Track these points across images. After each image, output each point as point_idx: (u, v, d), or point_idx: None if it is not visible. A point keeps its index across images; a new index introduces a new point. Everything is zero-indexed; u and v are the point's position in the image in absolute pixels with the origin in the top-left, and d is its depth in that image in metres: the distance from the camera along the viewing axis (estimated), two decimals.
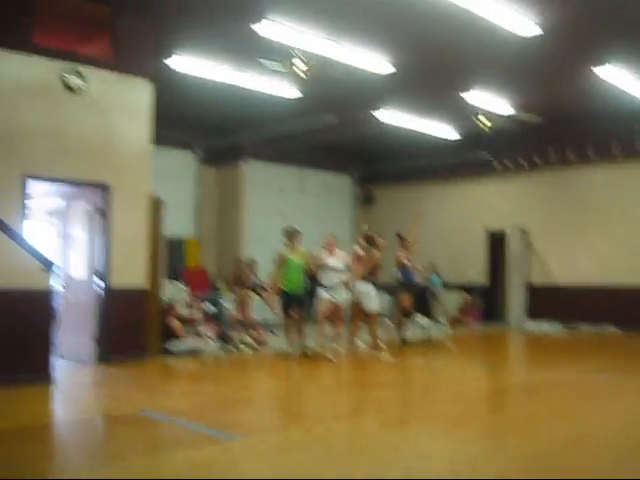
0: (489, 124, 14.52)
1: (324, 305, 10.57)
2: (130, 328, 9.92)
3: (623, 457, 5.09)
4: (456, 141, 16.51)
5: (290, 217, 17.99)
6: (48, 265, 8.08)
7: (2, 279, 7.94)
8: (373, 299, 11.06)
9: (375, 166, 19.44)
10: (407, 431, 5.79)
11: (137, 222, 10.13)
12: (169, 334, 10.75)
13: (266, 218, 17.45)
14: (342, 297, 10.76)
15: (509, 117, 14.75)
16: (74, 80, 9.40)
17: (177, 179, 16.43)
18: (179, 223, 16.38)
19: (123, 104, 10.05)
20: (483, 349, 13.06)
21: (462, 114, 14.52)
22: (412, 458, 4.91)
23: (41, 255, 7.97)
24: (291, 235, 10.96)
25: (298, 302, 10.72)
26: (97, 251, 9.89)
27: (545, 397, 7.55)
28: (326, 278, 10.65)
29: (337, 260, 10.76)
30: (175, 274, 15.68)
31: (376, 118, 14.65)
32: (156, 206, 10.56)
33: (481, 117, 14.42)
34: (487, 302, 17.61)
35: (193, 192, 16.94)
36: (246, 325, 12.20)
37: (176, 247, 16.29)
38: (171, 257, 16.15)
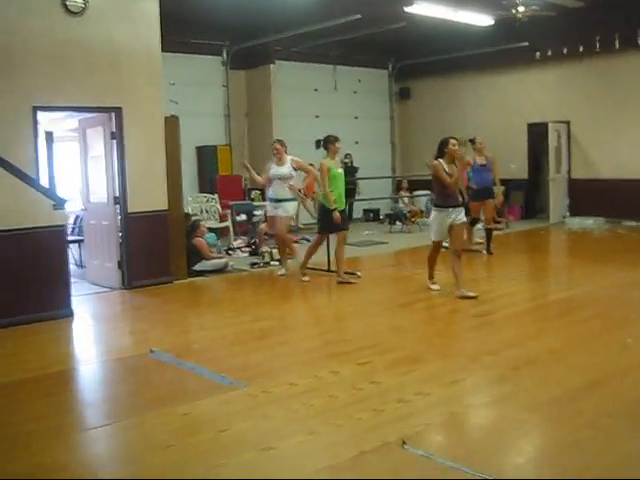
0: (527, 12, 13.67)
1: (268, 220, 10.48)
2: (153, 251, 9.84)
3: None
4: (493, 30, 15.56)
5: (325, 118, 17.60)
6: (60, 203, 7.96)
7: (16, 219, 7.88)
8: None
9: (410, 59, 18.68)
10: (416, 374, 5.58)
11: (153, 143, 9.86)
12: (196, 254, 10.63)
13: (300, 120, 17.05)
14: (285, 209, 10.21)
15: (547, 2, 13.83)
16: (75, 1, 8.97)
17: (206, 86, 16.07)
18: (210, 131, 16.12)
19: (128, 19, 9.58)
20: (518, 254, 12.55)
21: (498, 3, 13.62)
22: (409, 417, 4.70)
23: (53, 193, 7.84)
24: (329, 143, 9.60)
25: (344, 219, 9.64)
26: (115, 176, 9.71)
27: (571, 322, 7.24)
28: (271, 189, 10.30)
29: (283, 168, 10.15)
30: (209, 184, 15.55)
31: (407, 13, 13.90)
32: (172, 123, 10.25)
33: (519, 6, 13.57)
34: (528, 197, 17.12)
35: (223, 98, 16.53)
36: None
37: (208, 156, 16.08)
38: (203, 166, 16.03)
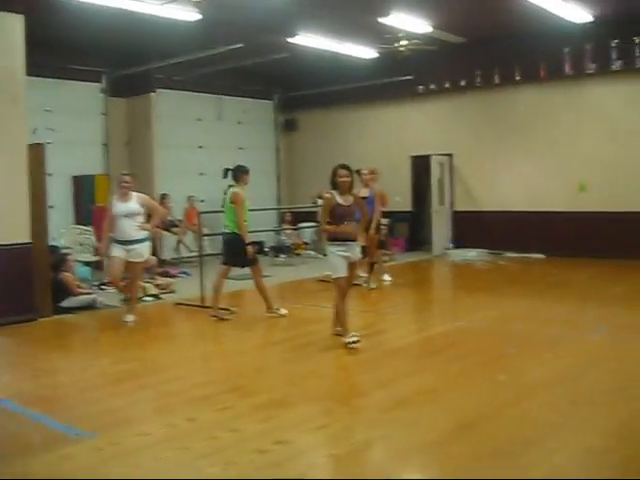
0: (409, 46, 13.72)
1: (114, 264, 8.97)
2: (14, 287, 9.18)
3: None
4: (377, 63, 15.66)
5: (209, 148, 17.26)
6: None
7: None
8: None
9: (297, 91, 18.54)
10: (279, 420, 5.20)
11: (14, 171, 9.24)
12: (63, 290, 9.99)
13: (183, 150, 16.67)
14: (139, 253, 9.00)
15: (430, 37, 13.93)
16: None
17: (84, 113, 15.40)
18: (88, 160, 15.46)
19: None
20: (399, 287, 12.07)
21: (381, 37, 13.59)
22: (265, 469, 4.32)
23: None
24: (243, 173, 9.17)
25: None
26: None
27: (446, 359, 7.01)
28: (118, 229, 8.90)
29: (131, 204, 8.91)
30: (86, 215, 14.83)
31: (289, 43, 13.76)
32: (36, 151, 9.63)
33: (401, 40, 13.60)
34: (412, 229, 17.13)
35: (102, 126, 15.86)
36: (151, 271, 11.53)
37: (85, 185, 15.37)
38: (79, 197, 15.30)
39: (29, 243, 9.34)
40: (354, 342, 7.23)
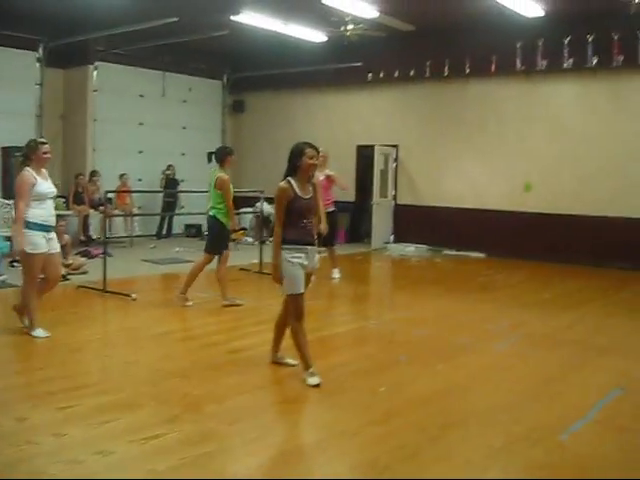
0: (356, 30, 13.25)
1: (39, 262, 6.93)
2: None
3: None
4: (326, 47, 15.18)
5: (150, 126, 16.76)
6: None
7: None
8: None
9: (246, 72, 17.99)
10: (115, 425, 4.77)
11: None
12: None
13: (122, 127, 16.13)
14: (55, 240, 7.12)
15: (377, 23, 13.48)
16: None
17: (17, 82, 14.76)
18: (19, 131, 14.79)
19: None
20: (317, 281, 11.47)
21: (328, 20, 13.08)
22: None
23: None
24: (227, 155, 8.72)
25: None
26: None
27: (325, 366, 6.43)
28: (40, 211, 6.83)
29: (50, 181, 7.11)
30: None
31: (230, 20, 13.23)
32: None
33: (348, 24, 13.13)
34: (354, 221, 16.75)
35: (35, 97, 15.23)
36: (64, 250, 11.02)
37: (14, 158, 14.81)
38: (8, 169, 14.73)
39: None
40: (315, 384, 5.67)
